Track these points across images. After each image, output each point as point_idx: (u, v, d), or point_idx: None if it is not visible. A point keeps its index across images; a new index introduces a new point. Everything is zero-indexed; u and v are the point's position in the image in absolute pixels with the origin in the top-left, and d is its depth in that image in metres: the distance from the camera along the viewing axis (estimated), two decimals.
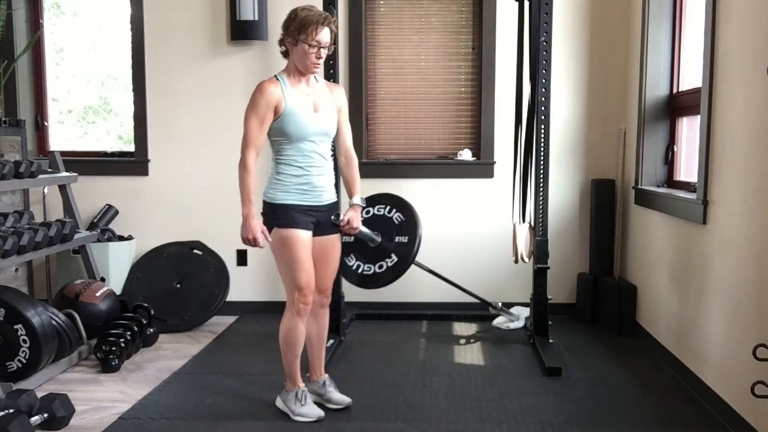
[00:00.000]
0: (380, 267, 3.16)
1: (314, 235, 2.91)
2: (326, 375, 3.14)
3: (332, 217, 2.97)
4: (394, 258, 3.12)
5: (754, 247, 2.70)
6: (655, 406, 3.14)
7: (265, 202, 2.90)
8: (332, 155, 3.02)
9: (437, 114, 4.63)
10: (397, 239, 3.15)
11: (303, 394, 2.98)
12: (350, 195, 3.06)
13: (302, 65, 2.85)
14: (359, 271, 3.21)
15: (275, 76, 2.90)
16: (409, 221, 3.14)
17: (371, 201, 3.18)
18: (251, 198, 2.80)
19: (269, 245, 2.90)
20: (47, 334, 3.34)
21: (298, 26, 2.79)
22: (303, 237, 2.86)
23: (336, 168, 3.09)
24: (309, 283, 2.88)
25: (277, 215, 2.84)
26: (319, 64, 2.86)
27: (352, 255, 3.19)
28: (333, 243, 3.02)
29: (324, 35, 2.81)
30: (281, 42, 2.90)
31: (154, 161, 4.68)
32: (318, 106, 2.90)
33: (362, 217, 3.10)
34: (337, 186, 3.10)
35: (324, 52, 2.84)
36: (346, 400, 3.08)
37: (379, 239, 3.17)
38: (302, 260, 2.85)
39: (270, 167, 2.93)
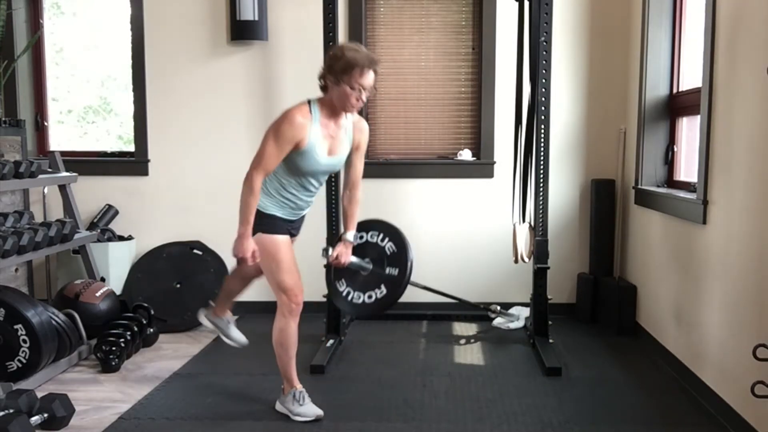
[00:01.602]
0: (369, 297, 3.11)
1: None
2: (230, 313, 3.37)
3: (321, 251, 3.04)
4: (384, 290, 3.09)
5: (754, 247, 2.70)
6: (655, 406, 3.14)
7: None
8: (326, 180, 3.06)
9: (437, 114, 4.63)
10: (388, 270, 3.09)
11: (301, 395, 2.99)
12: (344, 228, 3.08)
13: (341, 105, 2.81)
14: (349, 298, 3.18)
15: (309, 103, 2.85)
16: (401, 252, 3.08)
17: (364, 226, 3.13)
18: (250, 220, 2.81)
19: (258, 252, 2.92)
20: (47, 334, 3.34)
21: (343, 67, 2.73)
22: (285, 240, 2.93)
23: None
24: (296, 283, 2.92)
25: (263, 222, 2.87)
26: (358, 106, 2.82)
27: (342, 280, 3.17)
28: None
29: (369, 79, 2.77)
30: (322, 77, 2.83)
31: (154, 161, 4.68)
32: (335, 149, 2.89)
33: (355, 241, 3.11)
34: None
35: (365, 95, 2.79)
36: (243, 340, 3.36)
37: (370, 267, 3.12)
38: (286, 262, 2.90)
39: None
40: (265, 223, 2.88)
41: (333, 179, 3.91)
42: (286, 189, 2.89)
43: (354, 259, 3.11)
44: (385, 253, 3.12)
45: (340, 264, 3.09)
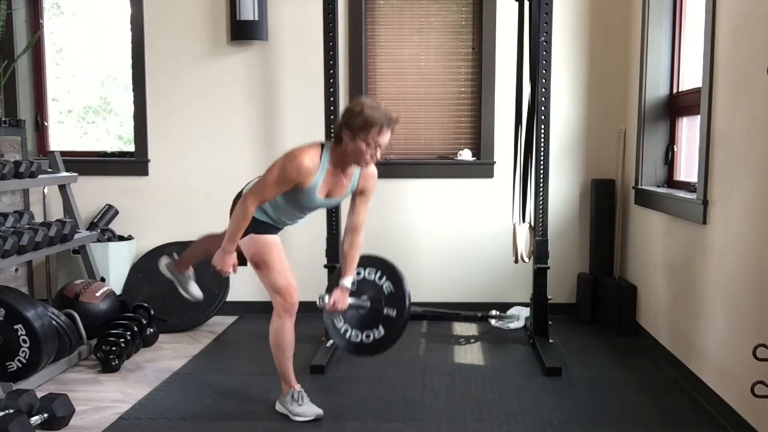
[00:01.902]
0: (367, 336, 3.09)
1: None
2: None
3: (317, 299, 3.03)
4: (382, 331, 3.07)
5: (754, 247, 2.70)
6: (655, 406, 3.14)
7: None
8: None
9: (437, 114, 4.63)
10: (385, 311, 3.07)
11: (299, 395, 2.99)
12: (342, 274, 3.05)
13: (354, 160, 2.80)
14: (347, 336, 3.16)
15: (322, 148, 2.82)
16: (398, 292, 3.05)
17: (361, 262, 3.09)
18: (236, 240, 2.86)
19: (246, 254, 2.97)
20: (47, 334, 3.34)
21: (360, 124, 2.70)
22: (275, 240, 2.97)
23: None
24: (289, 283, 2.94)
25: (255, 225, 2.91)
26: (372, 162, 2.81)
27: (340, 316, 3.15)
28: None
29: (385, 138, 2.75)
30: (338, 130, 2.79)
31: (154, 161, 4.68)
32: (333, 193, 2.90)
33: (353, 287, 3.09)
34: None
35: (380, 152, 2.78)
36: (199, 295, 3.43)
37: (368, 304, 3.10)
38: (278, 263, 2.93)
39: (255, 173, 2.98)
40: (256, 226, 2.92)
41: None
42: (280, 211, 2.93)
43: (351, 300, 3.08)
44: (383, 292, 3.09)
45: (337, 311, 3.08)
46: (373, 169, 2.97)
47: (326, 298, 3.03)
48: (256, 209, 2.88)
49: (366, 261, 3.14)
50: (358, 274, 3.11)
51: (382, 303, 3.07)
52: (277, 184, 2.78)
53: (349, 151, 2.77)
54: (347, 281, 3.03)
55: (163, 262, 3.43)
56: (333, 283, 3.17)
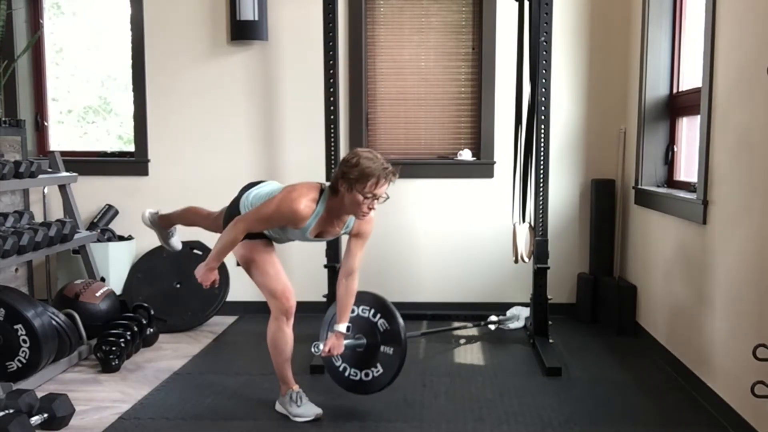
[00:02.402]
0: (366, 375, 3.09)
1: None
2: None
3: (312, 348, 3.02)
4: (380, 369, 3.07)
5: (754, 247, 2.70)
6: (655, 406, 3.14)
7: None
8: None
9: (437, 114, 4.63)
10: (382, 349, 3.06)
11: (298, 395, 3.00)
12: (337, 320, 3.03)
13: (352, 211, 2.77)
14: (346, 374, 3.17)
15: (320, 192, 2.80)
16: (394, 328, 3.03)
17: (355, 299, 3.11)
18: (221, 259, 2.87)
19: (239, 260, 2.99)
20: (47, 334, 3.34)
21: (357, 176, 2.67)
22: (267, 244, 2.97)
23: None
24: (284, 287, 2.94)
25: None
26: (369, 213, 2.77)
27: (338, 355, 3.15)
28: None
29: (382, 190, 2.72)
30: (336, 180, 2.75)
31: (154, 161, 4.68)
32: (324, 234, 2.90)
33: (347, 333, 3.08)
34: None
35: (377, 203, 2.76)
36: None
37: (364, 342, 3.11)
38: (270, 267, 2.93)
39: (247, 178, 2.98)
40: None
41: None
42: (270, 231, 2.94)
43: (347, 342, 3.07)
44: (378, 329, 3.09)
45: (332, 356, 3.08)
46: (370, 221, 2.92)
47: (320, 345, 3.01)
48: None
49: (360, 298, 3.10)
50: (352, 312, 3.09)
51: (378, 341, 3.07)
52: (269, 221, 2.80)
53: (347, 203, 2.73)
54: (342, 327, 3.02)
55: (147, 213, 3.41)
56: (327, 331, 3.15)
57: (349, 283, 3.00)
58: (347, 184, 2.70)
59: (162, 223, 3.42)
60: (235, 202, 3.00)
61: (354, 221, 2.90)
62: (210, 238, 4.52)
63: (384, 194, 2.74)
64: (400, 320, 3.06)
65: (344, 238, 3.12)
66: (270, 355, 3.02)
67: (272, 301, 2.95)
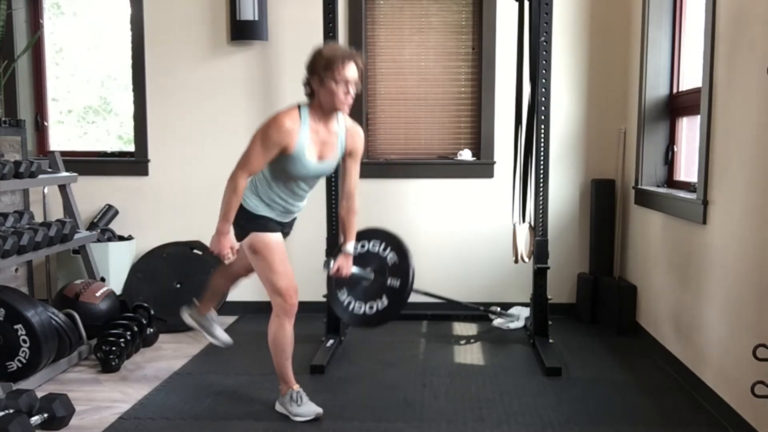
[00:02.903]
0: (371, 308, 3.09)
1: None
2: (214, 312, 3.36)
3: (323, 264, 3.02)
4: (385, 301, 3.07)
5: (754, 247, 2.70)
6: (655, 406, 3.14)
7: (243, 209, 2.90)
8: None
9: (437, 114, 4.63)
10: (389, 281, 3.08)
11: (298, 395, 2.99)
12: (344, 240, 3.06)
13: (330, 104, 2.79)
14: (350, 308, 3.16)
15: (299, 108, 2.82)
16: (402, 263, 3.06)
17: (366, 235, 3.10)
18: (230, 218, 2.82)
19: (247, 253, 2.95)
20: (47, 334, 3.34)
21: (323, 65, 2.72)
22: (278, 239, 2.93)
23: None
24: (290, 284, 2.92)
25: (254, 221, 2.89)
26: (347, 102, 2.80)
27: (344, 289, 3.15)
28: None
29: (351, 71, 2.75)
30: (306, 83, 2.81)
31: (154, 161, 4.68)
32: (325, 154, 2.88)
33: (356, 251, 3.10)
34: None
35: (352, 89, 2.78)
36: (227, 340, 3.36)
37: (372, 276, 3.11)
38: (280, 263, 2.90)
39: (254, 178, 2.92)
40: (257, 223, 2.89)
41: (333, 179, 3.91)
42: (276, 193, 2.89)
43: (355, 269, 3.09)
44: (387, 263, 3.10)
45: (341, 276, 3.08)
46: (357, 128, 2.99)
47: (331, 262, 3.02)
48: (253, 200, 2.87)
49: (371, 234, 3.16)
50: (362, 246, 3.12)
51: (386, 274, 3.08)
52: (262, 151, 2.74)
53: (323, 99, 2.77)
54: (349, 247, 3.05)
55: (186, 313, 3.35)
56: (336, 250, 3.17)
57: (350, 203, 3.04)
58: (317, 77, 2.75)
59: (201, 311, 3.33)
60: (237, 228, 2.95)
61: (345, 138, 2.92)
62: (210, 239, 4.54)
63: (356, 80, 2.78)
64: (410, 255, 3.11)
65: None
66: (270, 354, 3.01)
67: (275, 299, 2.93)
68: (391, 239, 3.15)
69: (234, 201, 2.80)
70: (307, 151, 2.80)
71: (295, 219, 3.09)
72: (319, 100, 2.80)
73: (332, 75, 2.72)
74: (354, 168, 3.01)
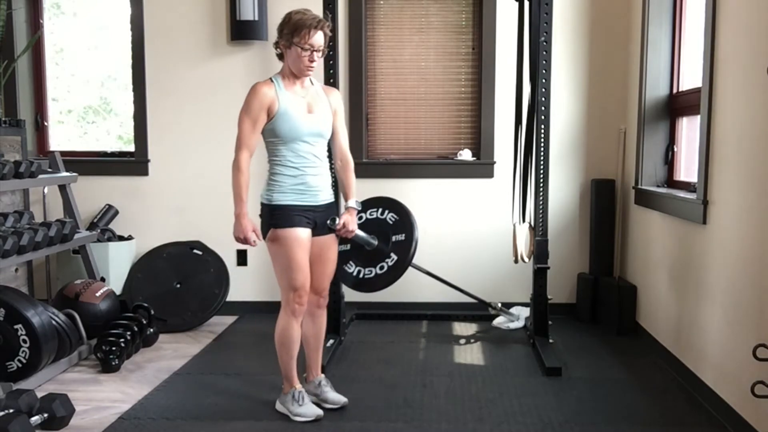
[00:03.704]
0: (381, 268, 3.15)
1: (312, 235, 2.92)
2: (322, 375, 3.15)
3: (328, 221, 2.98)
4: (394, 257, 3.12)
5: (753, 247, 2.70)
6: (655, 406, 3.14)
7: (262, 204, 2.91)
8: (328, 156, 3.03)
9: (437, 114, 4.64)
10: (394, 238, 3.15)
11: (300, 395, 2.99)
12: (346, 198, 3.07)
13: (296, 68, 2.87)
14: (360, 276, 3.19)
15: (270, 78, 2.92)
16: (403, 219, 3.15)
17: (365, 205, 3.19)
18: (243, 198, 2.83)
19: (266, 245, 2.92)
20: (47, 334, 3.34)
21: (291, 29, 2.82)
22: (301, 236, 2.87)
23: (332, 169, 3.12)
24: (304, 283, 2.89)
25: (274, 215, 2.86)
26: (312, 67, 2.87)
27: (351, 261, 3.18)
28: (329, 244, 3.02)
29: (317, 38, 2.82)
30: (276, 45, 2.92)
31: (154, 161, 4.68)
32: (312, 107, 2.92)
33: (359, 207, 3.10)
34: (335, 190, 3.12)
35: (317, 56, 2.85)
36: (342, 399, 3.08)
37: (375, 242, 3.17)
38: (298, 261, 2.86)
39: (266, 169, 2.93)
40: (277, 216, 2.85)
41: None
42: (287, 167, 2.86)
43: (360, 232, 3.11)
44: (388, 223, 3.15)
45: (348, 232, 3.04)
46: (335, 89, 3.12)
47: (337, 219, 3.00)
48: (270, 191, 2.86)
49: (367, 204, 3.24)
50: (361, 218, 3.19)
51: (389, 233, 3.13)
52: (249, 121, 2.82)
53: (290, 62, 2.86)
54: (352, 202, 3.05)
55: (278, 403, 3.05)
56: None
57: (344, 159, 3.06)
58: (285, 40, 2.84)
59: (288, 382, 3.00)
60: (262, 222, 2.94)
61: (326, 95, 2.99)
62: (210, 239, 4.56)
63: (322, 47, 2.85)
64: (407, 209, 3.21)
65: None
66: (276, 352, 2.98)
67: (287, 295, 2.89)
68: (387, 202, 3.23)
69: (241, 179, 2.82)
70: (291, 106, 2.85)
71: (331, 206, 3.00)
72: (286, 62, 2.89)
73: (298, 41, 2.81)
74: (341, 126, 3.06)
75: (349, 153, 3.09)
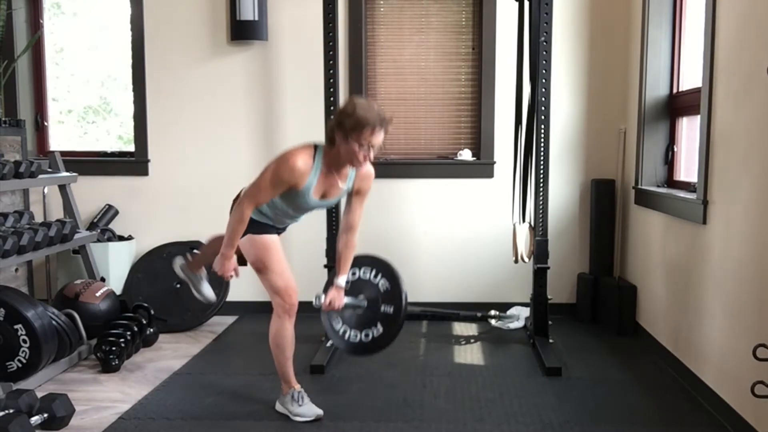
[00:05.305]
0: (366, 336, 3.09)
1: None
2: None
3: (313, 300, 3.03)
4: (380, 329, 3.08)
5: (754, 247, 2.70)
6: (655, 406, 3.15)
7: None
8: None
9: (437, 114, 4.63)
10: (383, 308, 3.07)
11: (299, 395, 2.99)
12: (337, 273, 3.05)
13: (348, 160, 2.77)
14: (346, 337, 3.16)
15: (315, 149, 2.80)
16: (395, 289, 3.06)
17: (356, 262, 3.09)
18: (234, 245, 2.86)
19: (246, 254, 2.97)
20: (47, 334, 3.34)
21: (353, 125, 2.67)
22: (275, 240, 2.97)
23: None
24: (288, 284, 2.94)
25: (252, 225, 2.90)
26: (365, 163, 2.77)
27: (338, 318, 3.14)
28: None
29: (379, 138, 2.71)
30: (331, 131, 2.76)
31: (154, 161, 4.68)
32: (328, 194, 2.88)
33: (347, 286, 3.09)
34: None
35: (373, 153, 2.74)
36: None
37: (364, 304, 3.10)
38: (277, 263, 2.92)
39: None
40: (255, 227, 2.91)
41: None
42: (277, 211, 2.91)
43: (348, 299, 3.08)
44: (379, 290, 3.10)
45: (333, 310, 3.08)
46: (369, 169, 2.92)
47: (322, 297, 3.03)
48: (253, 211, 2.87)
49: (361, 260, 3.14)
50: (353, 274, 3.12)
51: (379, 301, 3.08)
52: (271, 187, 2.77)
53: (342, 153, 2.74)
54: (341, 280, 3.04)
55: (178, 262, 3.43)
56: (328, 282, 3.18)
57: (350, 238, 3.02)
58: (343, 133, 2.70)
59: (192, 268, 3.40)
60: (237, 198, 2.99)
61: (354, 179, 2.91)
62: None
63: (380, 145, 2.76)
64: (401, 280, 3.09)
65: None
66: (272, 354, 3.01)
67: (275, 299, 2.95)
68: (381, 265, 3.13)
69: (240, 229, 2.83)
70: (313, 190, 2.82)
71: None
72: (338, 149, 2.75)
73: (357, 137, 2.67)
74: (359, 206, 3.00)
75: (357, 235, 3.03)
